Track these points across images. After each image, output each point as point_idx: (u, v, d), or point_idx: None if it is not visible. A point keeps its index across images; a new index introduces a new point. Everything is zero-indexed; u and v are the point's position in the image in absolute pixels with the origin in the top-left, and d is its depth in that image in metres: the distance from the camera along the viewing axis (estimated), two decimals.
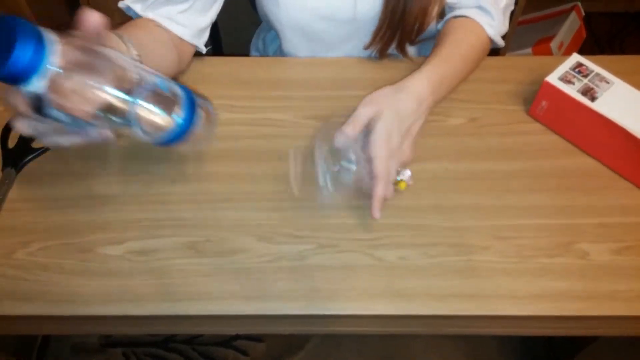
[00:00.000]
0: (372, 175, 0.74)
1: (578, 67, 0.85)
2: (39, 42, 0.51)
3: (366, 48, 0.96)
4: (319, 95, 0.93)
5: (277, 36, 1.17)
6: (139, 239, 0.77)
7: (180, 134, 0.64)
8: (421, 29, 0.91)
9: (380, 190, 0.73)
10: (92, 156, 0.84)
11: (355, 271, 0.75)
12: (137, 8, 0.87)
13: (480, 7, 0.93)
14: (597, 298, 0.73)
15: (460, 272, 0.75)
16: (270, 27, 1.11)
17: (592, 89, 0.83)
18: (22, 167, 0.83)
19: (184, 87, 0.65)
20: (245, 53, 1.32)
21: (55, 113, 0.55)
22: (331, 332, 0.80)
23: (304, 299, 0.72)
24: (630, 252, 0.77)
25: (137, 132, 0.62)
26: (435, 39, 0.94)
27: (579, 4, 2.03)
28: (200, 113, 0.65)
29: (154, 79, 0.62)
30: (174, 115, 0.63)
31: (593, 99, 0.82)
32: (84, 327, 0.81)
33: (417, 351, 1.57)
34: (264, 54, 1.23)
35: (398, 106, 0.77)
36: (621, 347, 1.19)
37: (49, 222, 0.78)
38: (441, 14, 0.95)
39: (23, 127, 0.59)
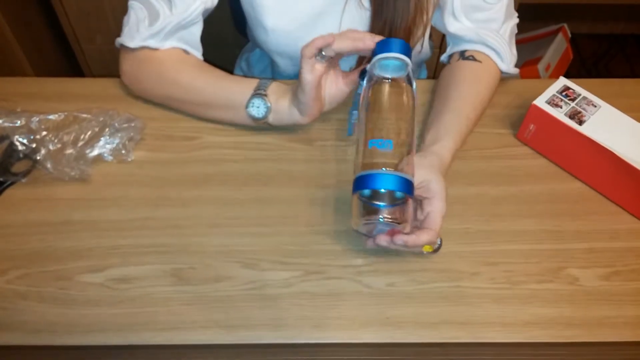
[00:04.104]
0: (417, 224, 0.72)
1: (565, 91, 0.85)
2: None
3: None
4: None
5: (261, 57, 1.16)
6: (120, 266, 0.75)
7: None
8: None
9: (425, 240, 0.70)
10: (71, 182, 0.82)
11: (343, 298, 0.73)
12: (151, 43, 0.86)
13: (486, 45, 0.91)
14: (587, 324, 0.72)
15: (449, 299, 0.73)
16: (257, 48, 1.10)
17: (580, 112, 0.83)
18: (1, 193, 0.81)
19: None
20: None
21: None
22: None
23: (290, 327, 0.71)
24: (619, 278, 0.76)
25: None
26: (443, 78, 0.92)
27: (566, 25, 2.04)
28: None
29: None
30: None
31: (581, 122, 0.82)
32: (64, 357, 0.79)
33: None
34: (248, 74, 1.22)
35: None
36: None
37: (28, 249, 0.76)
38: (440, 45, 0.94)
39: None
